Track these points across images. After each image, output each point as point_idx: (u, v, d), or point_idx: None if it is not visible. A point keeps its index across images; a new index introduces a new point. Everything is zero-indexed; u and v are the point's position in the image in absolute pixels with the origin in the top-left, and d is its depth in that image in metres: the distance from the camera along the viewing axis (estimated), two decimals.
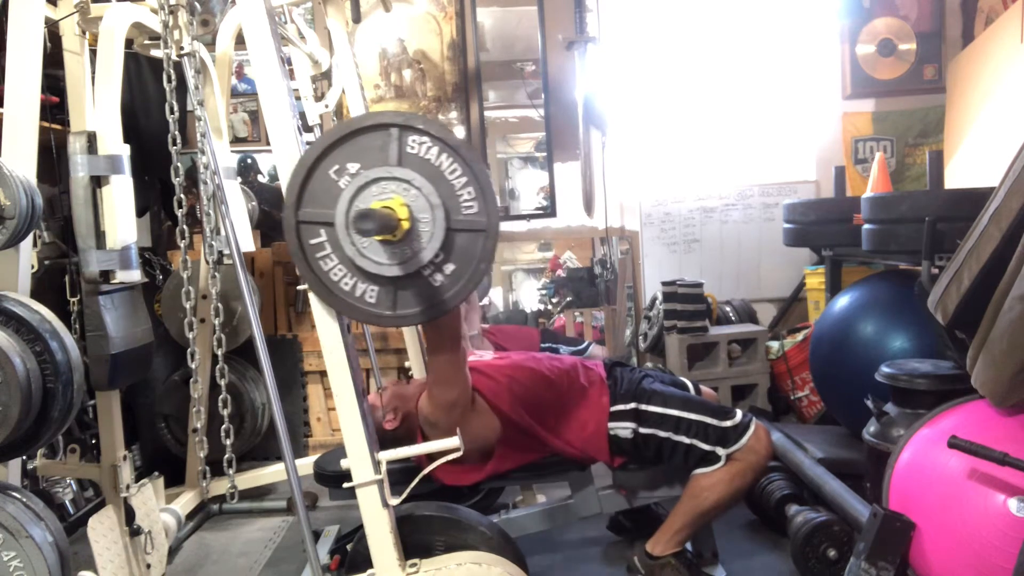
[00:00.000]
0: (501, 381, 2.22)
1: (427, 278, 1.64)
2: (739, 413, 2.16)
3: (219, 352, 2.00)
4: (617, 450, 2.21)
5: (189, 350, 1.99)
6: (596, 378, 2.28)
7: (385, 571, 1.78)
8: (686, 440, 2.12)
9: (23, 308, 1.79)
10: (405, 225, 1.58)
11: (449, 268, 1.64)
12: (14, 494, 1.76)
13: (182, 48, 1.99)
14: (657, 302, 3.68)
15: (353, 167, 1.62)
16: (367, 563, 1.80)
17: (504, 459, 2.23)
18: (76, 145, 2.08)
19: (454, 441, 1.80)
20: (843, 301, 2.95)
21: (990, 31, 3.58)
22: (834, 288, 3.31)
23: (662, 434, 2.14)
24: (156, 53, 2.26)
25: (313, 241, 1.66)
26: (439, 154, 1.61)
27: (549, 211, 4.01)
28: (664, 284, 3.62)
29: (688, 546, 2.28)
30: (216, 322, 2.01)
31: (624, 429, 2.17)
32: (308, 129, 2.82)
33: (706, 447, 2.11)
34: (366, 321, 1.74)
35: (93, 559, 2.13)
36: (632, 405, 2.19)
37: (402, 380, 2.35)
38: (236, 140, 3.89)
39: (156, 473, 2.58)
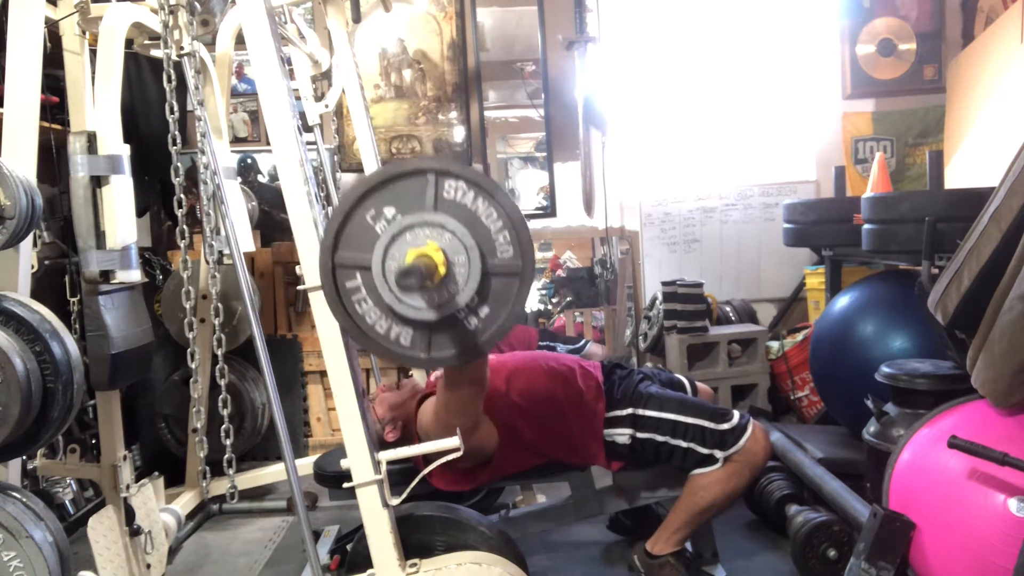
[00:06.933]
0: (499, 388, 2.21)
1: (462, 321, 1.64)
2: (736, 415, 2.16)
3: (219, 352, 2.00)
4: (614, 455, 2.21)
5: (189, 350, 1.99)
6: (593, 382, 2.27)
7: (385, 571, 1.78)
8: (683, 444, 2.12)
9: (23, 308, 1.79)
10: (442, 271, 1.58)
11: (484, 311, 1.64)
12: (14, 494, 1.76)
13: (182, 48, 2.00)
14: (657, 302, 3.68)
15: (390, 212, 1.62)
16: (367, 563, 1.80)
17: (501, 466, 2.21)
18: (76, 145, 2.08)
19: (454, 441, 1.79)
20: (843, 301, 2.95)
21: (990, 31, 3.58)
22: (834, 288, 3.31)
23: (659, 438, 2.14)
24: (156, 53, 2.26)
25: (349, 284, 1.66)
26: (475, 198, 1.61)
27: (549, 211, 4.01)
28: (664, 284, 3.61)
29: (688, 546, 2.28)
30: (216, 322, 2.02)
31: (621, 435, 2.17)
32: (308, 129, 2.83)
33: (703, 450, 2.11)
34: (401, 363, 1.73)
35: (93, 559, 2.13)
36: (629, 410, 2.18)
37: (391, 384, 2.33)
38: (236, 140, 3.89)
39: (156, 473, 2.58)
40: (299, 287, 1.81)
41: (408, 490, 1.82)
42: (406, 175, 1.62)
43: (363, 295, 1.65)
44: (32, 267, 2.03)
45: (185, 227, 1.99)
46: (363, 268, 1.63)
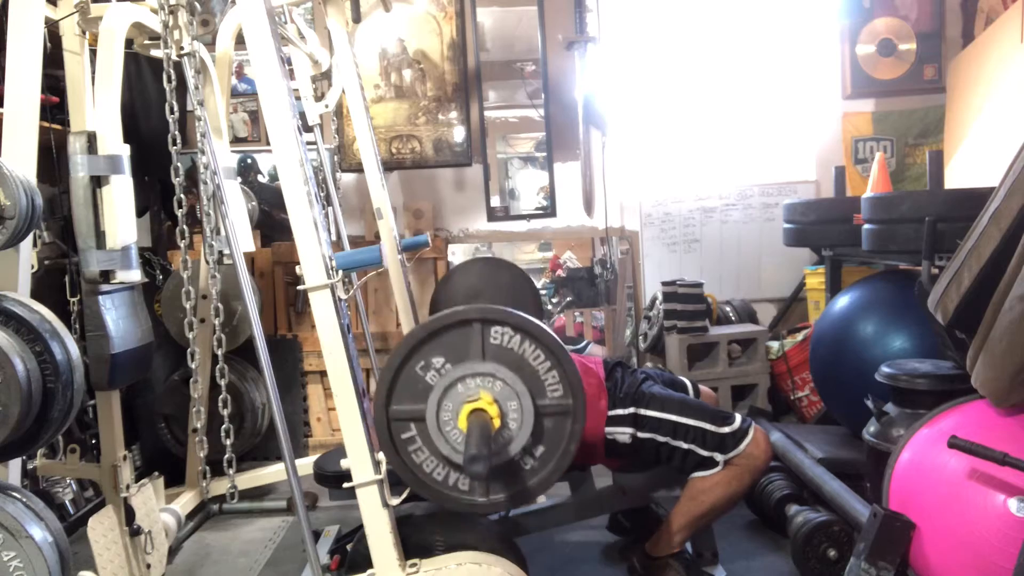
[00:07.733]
0: None
1: (518, 463, 1.67)
2: (738, 418, 2.15)
3: (219, 352, 2.00)
4: (615, 453, 2.20)
5: (189, 350, 1.99)
6: (595, 380, 2.27)
7: (385, 571, 1.78)
8: (684, 445, 2.12)
9: (23, 308, 1.79)
10: (496, 423, 1.61)
11: (539, 451, 1.68)
12: (14, 494, 1.76)
13: (182, 48, 2.00)
14: (657, 302, 3.68)
15: (439, 362, 1.66)
16: (367, 563, 1.80)
17: None
18: (76, 145, 2.08)
19: None
20: (843, 301, 2.95)
21: (990, 31, 3.58)
22: (834, 288, 3.31)
23: (660, 439, 2.14)
24: (156, 53, 2.26)
25: (404, 436, 1.70)
26: (521, 342, 1.65)
27: (549, 211, 4.01)
28: (664, 284, 3.61)
29: (688, 546, 2.28)
30: (216, 322, 2.01)
31: (623, 434, 2.16)
32: (308, 129, 2.82)
33: (704, 453, 2.11)
34: (461, 508, 1.79)
35: (93, 559, 2.13)
36: (631, 410, 2.18)
37: None
38: (236, 140, 3.89)
39: (156, 473, 2.58)
40: (299, 287, 1.81)
41: (408, 490, 1.82)
42: (452, 326, 1.66)
43: (419, 445, 1.70)
44: (32, 267, 2.03)
45: (185, 227, 1.99)
46: (417, 419, 1.67)
